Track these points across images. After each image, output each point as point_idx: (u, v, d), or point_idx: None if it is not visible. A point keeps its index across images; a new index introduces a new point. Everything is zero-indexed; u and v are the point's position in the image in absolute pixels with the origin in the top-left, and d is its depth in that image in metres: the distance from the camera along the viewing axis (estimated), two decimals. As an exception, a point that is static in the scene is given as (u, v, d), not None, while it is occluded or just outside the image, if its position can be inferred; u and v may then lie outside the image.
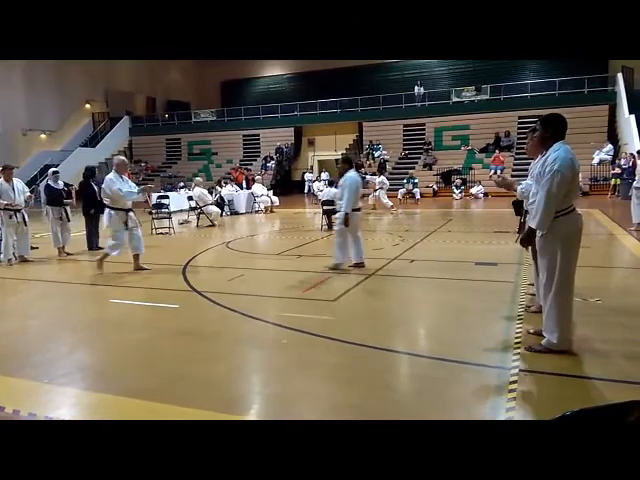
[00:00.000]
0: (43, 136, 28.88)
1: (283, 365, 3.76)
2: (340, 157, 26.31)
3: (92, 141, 30.37)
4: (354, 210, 6.74)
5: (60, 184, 9.12)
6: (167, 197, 13.86)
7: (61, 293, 6.43)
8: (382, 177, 16.74)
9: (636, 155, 13.43)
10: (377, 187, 15.94)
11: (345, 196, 6.66)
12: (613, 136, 21.63)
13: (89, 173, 9.74)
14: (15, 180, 8.23)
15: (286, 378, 3.53)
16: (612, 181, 18.39)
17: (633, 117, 18.96)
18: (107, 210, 7.05)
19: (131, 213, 7.11)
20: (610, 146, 20.48)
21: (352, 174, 6.84)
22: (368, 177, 18.43)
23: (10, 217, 8.03)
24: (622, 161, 17.40)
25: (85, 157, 25.43)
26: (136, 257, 7.18)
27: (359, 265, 6.90)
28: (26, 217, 8.28)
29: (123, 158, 7.23)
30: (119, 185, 6.87)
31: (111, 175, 6.99)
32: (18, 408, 3.09)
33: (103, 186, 7.02)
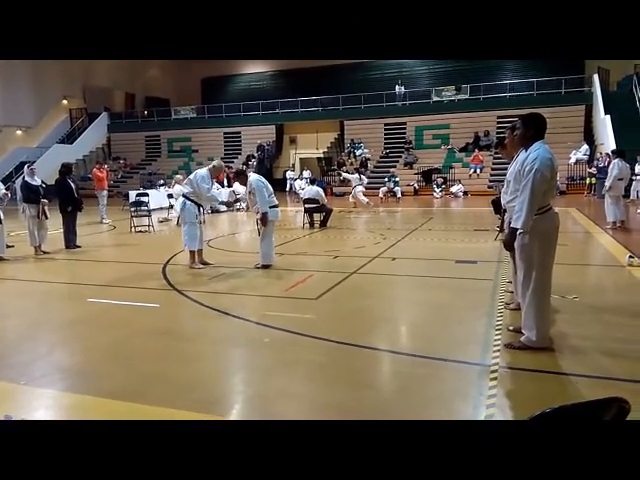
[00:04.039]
0: (19, 132, 28.27)
1: (265, 364, 3.75)
2: (322, 157, 26.47)
3: (69, 138, 29.86)
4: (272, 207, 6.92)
5: (37, 180, 8.93)
6: (147, 195, 13.71)
7: (38, 292, 6.31)
8: (357, 174, 16.84)
9: (611, 155, 13.68)
10: (354, 184, 16.01)
11: (258, 198, 6.78)
12: (589, 136, 22.02)
13: (65, 170, 9.54)
14: (-11, 177, 8.06)
15: (268, 377, 3.52)
16: (588, 180, 18.75)
17: (609, 117, 19.32)
18: (182, 200, 7.28)
19: (201, 209, 7.32)
20: (586, 146, 20.84)
21: (252, 177, 6.98)
22: (344, 175, 18.53)
23: (-15, 215, 7.86)
24: (599, 161, 17.73)
25: (62, 154, 24.92)
26: (200, 252, 7.24)
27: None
28: (1, 215, 8.10)
29: (223, 165, 7.28)
30: (209, 185, 7.08)
31: (205, 172, 7.07)
32: (-6, 410, 3.02)
33: (192, 178, 7.10)
